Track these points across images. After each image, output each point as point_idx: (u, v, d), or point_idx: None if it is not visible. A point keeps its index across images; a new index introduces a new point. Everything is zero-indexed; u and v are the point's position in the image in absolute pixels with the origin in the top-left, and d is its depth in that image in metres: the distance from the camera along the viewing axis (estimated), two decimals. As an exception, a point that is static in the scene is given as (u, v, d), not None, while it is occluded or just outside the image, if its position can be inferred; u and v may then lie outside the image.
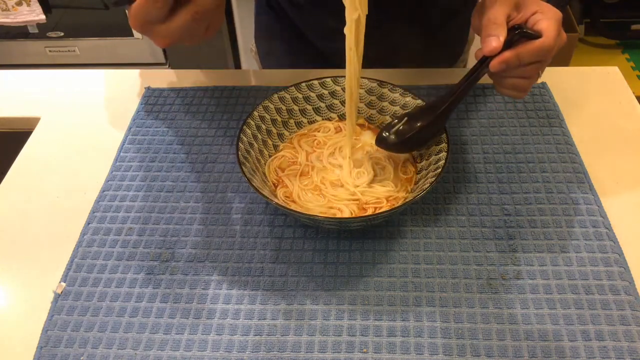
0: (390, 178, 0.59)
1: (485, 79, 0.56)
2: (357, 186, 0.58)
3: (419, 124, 0.56)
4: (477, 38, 0.95)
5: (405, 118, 0.58)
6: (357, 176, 0.59)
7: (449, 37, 0.86)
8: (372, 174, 0.59)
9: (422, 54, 0.83)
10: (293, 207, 0.56)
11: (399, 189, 0.58)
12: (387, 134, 0.57)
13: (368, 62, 0.86)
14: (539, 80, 0.54)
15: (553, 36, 0.49)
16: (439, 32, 0.83)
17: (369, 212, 0.56)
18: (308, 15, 0.80)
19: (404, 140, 0.57)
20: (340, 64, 0.84)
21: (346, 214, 0.56)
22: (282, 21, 0.84)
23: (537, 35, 0.50)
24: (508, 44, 0.50)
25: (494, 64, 0.51)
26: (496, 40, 0.49)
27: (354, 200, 0.57)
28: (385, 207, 0.56)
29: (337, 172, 0.60)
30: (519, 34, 0.50)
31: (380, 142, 0.58)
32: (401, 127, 0.57)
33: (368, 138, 0.63)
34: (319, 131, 0.65)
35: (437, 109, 0.56)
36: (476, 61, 0.54)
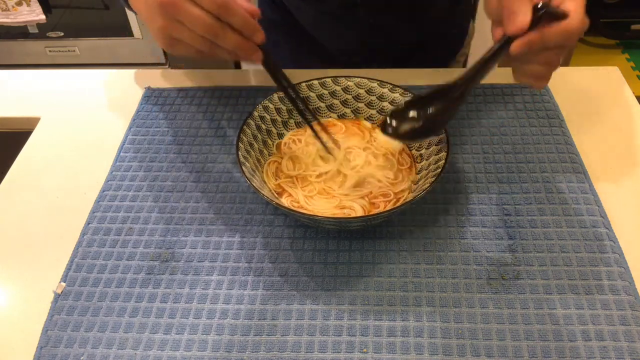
0: (391, 168, 0.60)
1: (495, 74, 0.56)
2: (354, 168, 0.58)
3: (432, 110, 0.51)
4: (477, 31, 0.95)
5: (414, 104, 0.52)
6: (353, 158, 0.60)
7: (449, 28, 0.86)
8: (365, 156, 0.60)
9: (423, 45, 0.83)
10: (302, 211, 0.56)
11: (402, 179, 0.59)
12: (396, 121, 0.52)
13: (369, 52, 0.85)
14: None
15: (580, 18, 0.44)
16: (441, 22, 0.83)
17: (381, 207, 0.56)
18: (308, 15, 0.80)
19: (417, 129, 0.52)
20: (340, 57, 0.84)
21: (359, 212, 0.56)
22: (284, 14, 0.84)
23: (563, 15, 0.44)
24: (531, 25, 0.44)
25: (515, 46, 0.45)
26: (523, 16, 0.43)
27: (362, 195, 0.57)
28: (392, 200, 0.56)
29: (332, 164, 0.60)
30: (545, 13, 0.44)
31: (387, 130, 0.53)
32: (411, 114, 0.52)
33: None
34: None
35: (451, 93, 0.50)
36: (496, 42, 0.48)
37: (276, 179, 0.60)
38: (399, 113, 0.53)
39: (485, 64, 0.48)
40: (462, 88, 0.49)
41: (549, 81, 0.51)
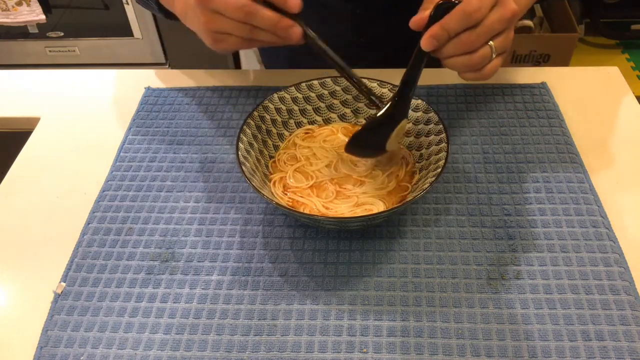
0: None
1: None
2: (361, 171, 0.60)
3: (375, 133, 0.57)
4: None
5: (369, 126, 0.58)
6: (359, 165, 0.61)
7: None
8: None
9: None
10: (301, 211, 0.56)
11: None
12: (352, 141, 0.58)
13: (368, 47, 0.84)
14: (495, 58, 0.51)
15: None
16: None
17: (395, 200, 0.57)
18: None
19: (364, 148, 0.59)
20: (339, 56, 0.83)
21: (381, 207, 0.56)
22: None
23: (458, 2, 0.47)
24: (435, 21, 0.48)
25: (423, 42, 0.48)
26: (422, 12, 0.47)
27: (381, 188, 0.58)
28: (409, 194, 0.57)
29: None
30: (441, 5, 0.47)
31: (347, 148, 0.59)
32: (364, 134, 0.58)
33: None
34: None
35: (391, 114, 0.56)
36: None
37: (285, 194, 0.59)
38: (356, 134, 0.58)
39: (410, 73, 0.52)
40: (401, 106, 0.55)
41: (492, 71, 0.52)
